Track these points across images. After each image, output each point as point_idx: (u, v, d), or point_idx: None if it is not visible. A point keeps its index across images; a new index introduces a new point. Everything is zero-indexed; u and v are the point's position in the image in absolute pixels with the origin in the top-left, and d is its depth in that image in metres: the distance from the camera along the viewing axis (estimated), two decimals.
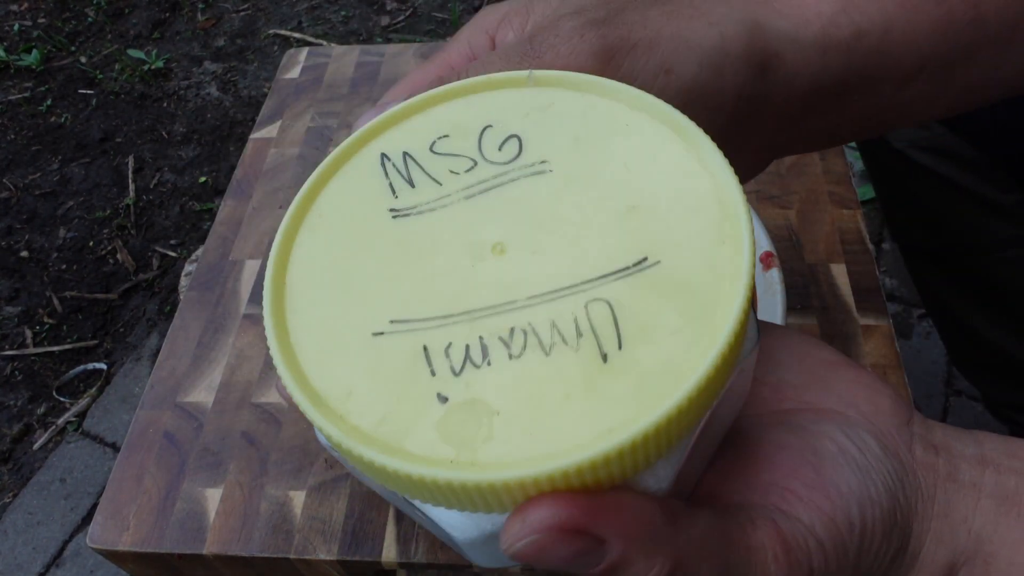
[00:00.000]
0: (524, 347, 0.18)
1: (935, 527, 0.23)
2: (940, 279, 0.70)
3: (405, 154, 0.22)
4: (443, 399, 0.18)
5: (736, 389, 0.21)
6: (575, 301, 0.19)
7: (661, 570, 0.19)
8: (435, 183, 0.22)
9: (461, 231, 0.20)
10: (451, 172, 0.22)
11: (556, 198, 0.21)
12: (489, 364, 0.18)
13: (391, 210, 0.21)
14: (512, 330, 0.18)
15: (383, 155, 0.22)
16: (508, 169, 0.21)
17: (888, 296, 1.14)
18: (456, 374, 0.18)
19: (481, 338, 0.18)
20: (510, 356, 0.18)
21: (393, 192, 0.22)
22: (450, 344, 0.18)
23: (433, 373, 0.18)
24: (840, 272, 0.52)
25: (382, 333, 0.19)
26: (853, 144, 0.74)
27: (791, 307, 0.50)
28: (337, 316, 0.20)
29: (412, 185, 0.22)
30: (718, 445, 0.23)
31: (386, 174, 0.22)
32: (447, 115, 0.23)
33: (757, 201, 0.57)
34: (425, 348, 0.18)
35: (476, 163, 0.22)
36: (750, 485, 0.22)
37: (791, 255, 0.53)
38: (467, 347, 0.18)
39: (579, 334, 0.18)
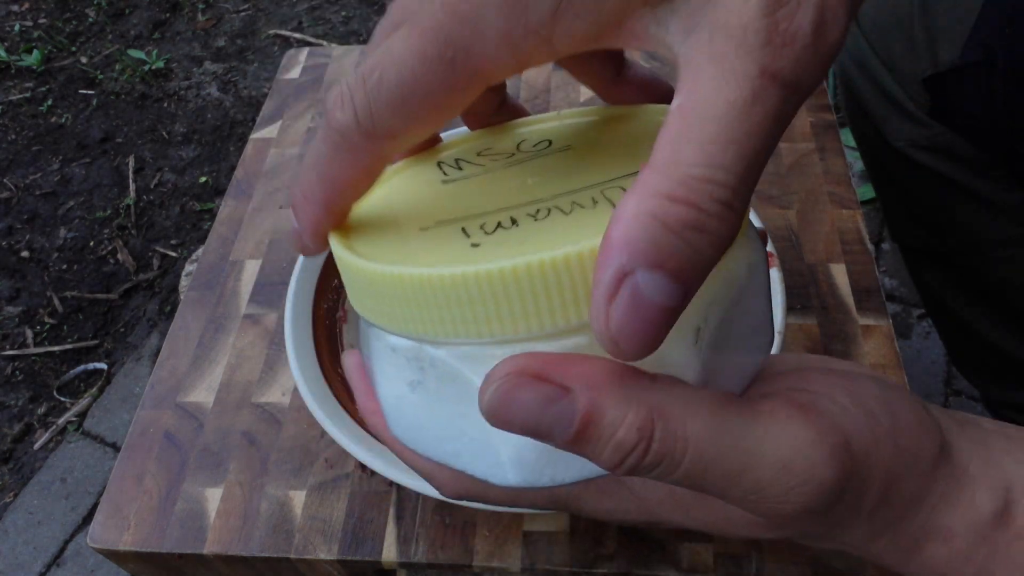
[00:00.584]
0: (548, 215, 0.21)
1: (979, 452, 0.21)
2: (940, 279, 0.70)
3: (456, 158, 0.26)
4: (475, 245, 0.20)
5: (753, 288, 0.22)
6: (592, 190, 0.22)
7: (636, 418, 0.18)
8: (480, 166, 0.25)
9: (501, 180, 0.24)
10: (492, 160, 0.26)
11: (581, 158, 0.24)
12: (517, 226, 0.20)
13: (442, 180, 0.25)
14: (538, 209, 0.21)
15: (438, 161, 0.27)
16: (541, 151, 0.25)
17: (888, 296, 1.14)
18: (488, 234, 0.20)
19: (512, 216, 0.21)
20: (535, 220, 0.21)
21: (444, 173, 0.25)
22: (484, 222, 0.21)
23: (468, 236, 0.21)
24: (840, 272, 0.52)
25: (428, 228, 0.22)
26: (853, 144, 0.74)
27: (791, 307, 0.50)
28: (388, 224, 0.23)
29: (460, 168, 0.26)
30: (742, 375, 0.22)
31: (439, 167, 0.26)
32: (488, 138, 0.28)
33: (757, 201, 0.57)
34: (463, 228, 0.21)
35: (514, 154, 0.26)
36: (765, 382, 0.22)
37: (791, 255, 0.53)
38: (499, 222, 0.21)
39: (595, 204, 0.21)
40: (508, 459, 0.21)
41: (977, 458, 0.21)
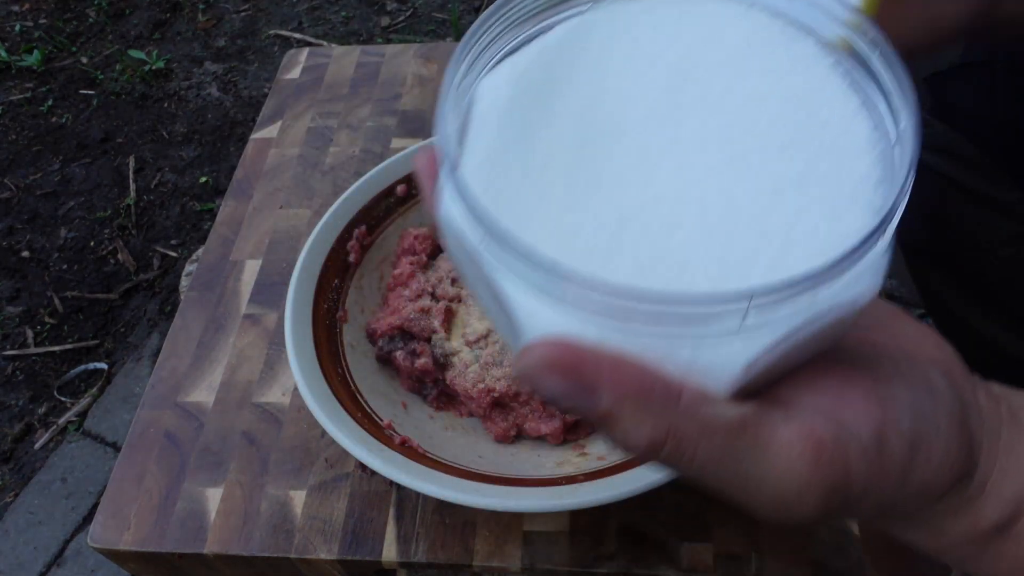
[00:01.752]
0: None
1: (1001, 462, 0.23)
2: (940, 278, 0.70)
3: None
4: None
5: (854, 316, 0.21)
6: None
7: (652, 432, 0.20)
8: None
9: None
10: None
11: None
12: None
13: None
14: None
15: None
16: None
17: (888, 296, 1.14)
18: None
19: None
20: None
21: None
22: None
23: None
24: None
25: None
26: None
27: None
28: None
29: None
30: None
31: None
32: None
33: None
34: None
35: None
36: (805, 386, 0.22)
37: None
38: None
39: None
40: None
41: (998, 472, 0.23)
